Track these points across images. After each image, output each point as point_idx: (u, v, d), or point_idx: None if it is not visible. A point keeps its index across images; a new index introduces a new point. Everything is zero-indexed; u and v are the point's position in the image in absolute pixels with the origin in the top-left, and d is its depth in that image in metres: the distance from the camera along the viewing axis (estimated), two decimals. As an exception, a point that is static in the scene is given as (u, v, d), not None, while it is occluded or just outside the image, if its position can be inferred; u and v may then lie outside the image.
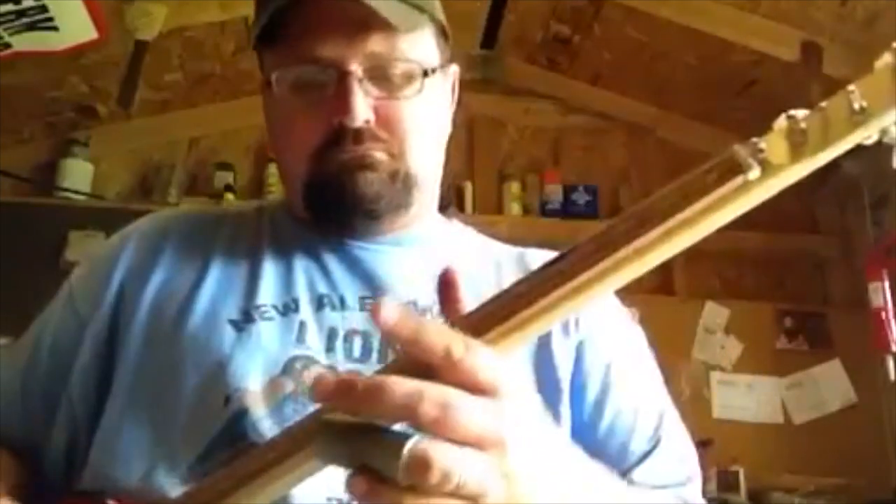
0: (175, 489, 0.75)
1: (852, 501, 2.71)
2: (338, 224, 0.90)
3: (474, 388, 0.49)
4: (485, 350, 0.50)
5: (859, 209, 3.10)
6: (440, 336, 0.49)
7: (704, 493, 0.91)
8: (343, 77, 0.83)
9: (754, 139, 0.46)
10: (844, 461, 2.82)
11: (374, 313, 0.49)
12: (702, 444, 2.89)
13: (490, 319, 0.52)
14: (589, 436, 0.85)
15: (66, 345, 0.90)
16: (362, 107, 0.83)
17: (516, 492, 0.51)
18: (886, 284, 2.74)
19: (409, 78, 0.87)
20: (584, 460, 0.61)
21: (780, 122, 0.45)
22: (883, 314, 2.70)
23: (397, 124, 0.86)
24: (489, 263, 0.97)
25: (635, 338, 0.97)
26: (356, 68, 0.84)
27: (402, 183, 0.88)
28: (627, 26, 3.04)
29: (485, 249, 1.01)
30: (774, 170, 0.45)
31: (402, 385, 0.47)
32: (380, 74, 0.85)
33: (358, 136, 0.84)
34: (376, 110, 0.85)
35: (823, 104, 0.44)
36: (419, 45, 0.88)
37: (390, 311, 0.49)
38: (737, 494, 2.77)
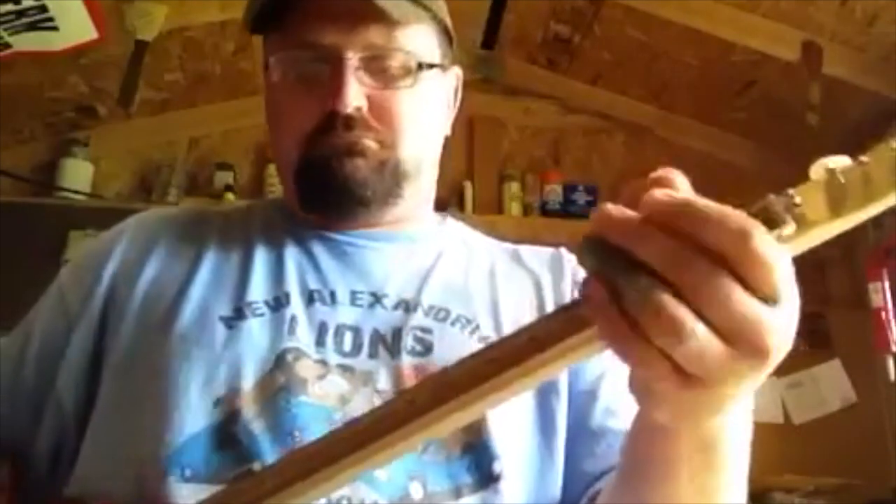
0: (160, 489, 0.73)
1: (852, 501, 2.72)
2: (326, 209, 0.90)
3: (759, 286, 0.42)
4: (780, 249, 0.42)
5: (859, 209, 3.09)
6: (736, 216, 0.42)
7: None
8: (337, 64, 0.85)
9: (790, 190, 0.43)
10: (844, 461, 2.82)
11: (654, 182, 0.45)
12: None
13: None
14: (581, 428, 0.85)
15: (54, 344, 0.88)
16: (354, 93, 0.85)
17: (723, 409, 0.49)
18: (886, 284, 2.75)
19: (405, 70, 0.88)
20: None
21: (818, 173, 0.43)
22: (883, 314, 2.72)
23: (390, 114, 0.88)
24: (482, 260, 0.97)
25: None
26: (352, 56, 0.85)
27: (391, 173, 0.89)
28: (627, 26, 3.03)
29: (478, 246, 1.01)
30: (810, 226, 0.42)
31: (737, 218, 0.42)
32: (376, 65, 0.87)
33: (349, 122, 0.85)
34: (370, 99, 0.86)
35: (864, 158, 0.42)
36: (418, 39, 0.90)
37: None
38: (737, 494, 2.78)
